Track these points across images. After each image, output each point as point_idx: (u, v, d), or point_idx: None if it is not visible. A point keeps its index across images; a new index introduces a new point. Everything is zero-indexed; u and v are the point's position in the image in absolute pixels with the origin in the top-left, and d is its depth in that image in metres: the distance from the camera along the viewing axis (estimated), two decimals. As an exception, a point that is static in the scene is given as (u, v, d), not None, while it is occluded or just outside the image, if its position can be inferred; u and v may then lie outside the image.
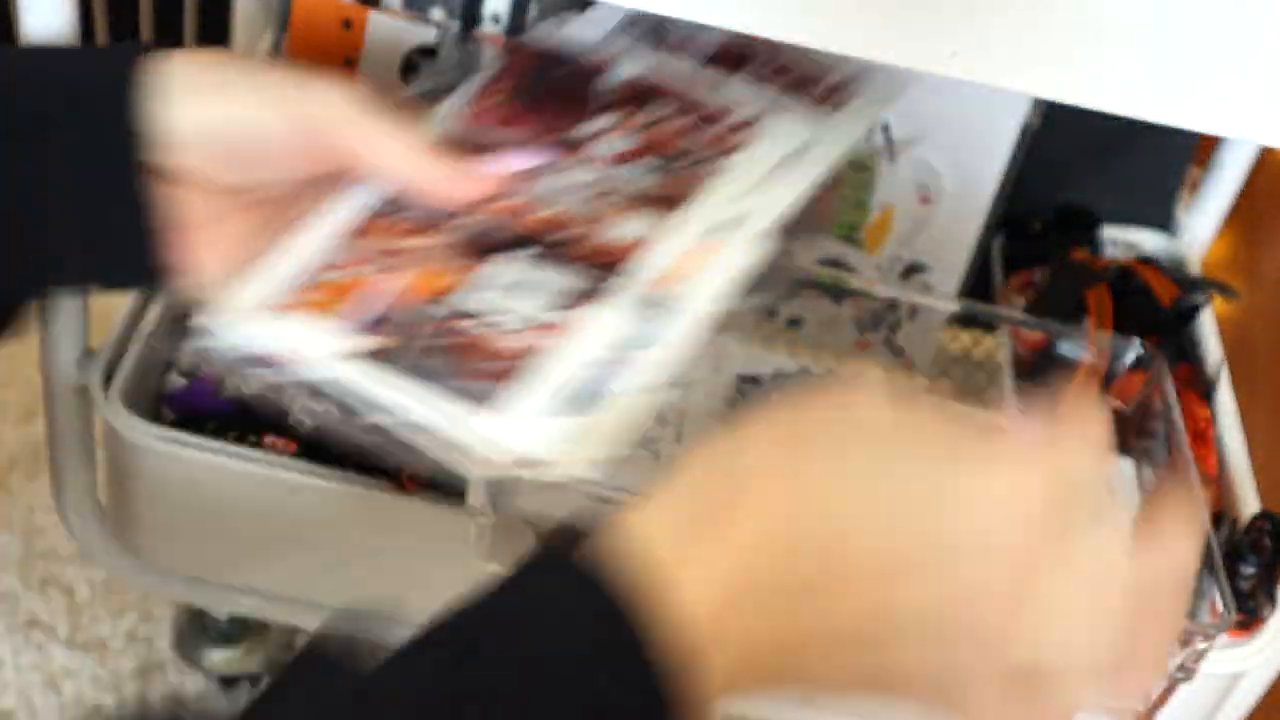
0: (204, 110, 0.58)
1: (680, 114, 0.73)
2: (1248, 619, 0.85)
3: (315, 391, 0.59)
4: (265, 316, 0.61)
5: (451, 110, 0.72)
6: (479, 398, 0.56)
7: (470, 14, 1.00)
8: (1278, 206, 1.29)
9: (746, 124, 0.74)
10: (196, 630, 1.04)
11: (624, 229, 0.64)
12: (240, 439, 0.87)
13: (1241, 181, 1.17)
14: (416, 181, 0.60)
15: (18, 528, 1.14)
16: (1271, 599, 0.86)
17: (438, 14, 1.00)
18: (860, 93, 0.76)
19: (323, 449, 0.88)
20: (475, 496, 0.77)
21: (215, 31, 1.43)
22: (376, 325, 0.60)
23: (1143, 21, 0.65)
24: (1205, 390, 0.99)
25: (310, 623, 0.95)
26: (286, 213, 0.64)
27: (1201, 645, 0.76)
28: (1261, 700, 0.91)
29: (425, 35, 1.00)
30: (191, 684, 1.06)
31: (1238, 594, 0.85)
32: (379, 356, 0.59)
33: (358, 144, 0.59)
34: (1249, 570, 0.86)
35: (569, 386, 0.57)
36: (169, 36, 1.44)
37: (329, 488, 0.85)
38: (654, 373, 0.57)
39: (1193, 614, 0.78)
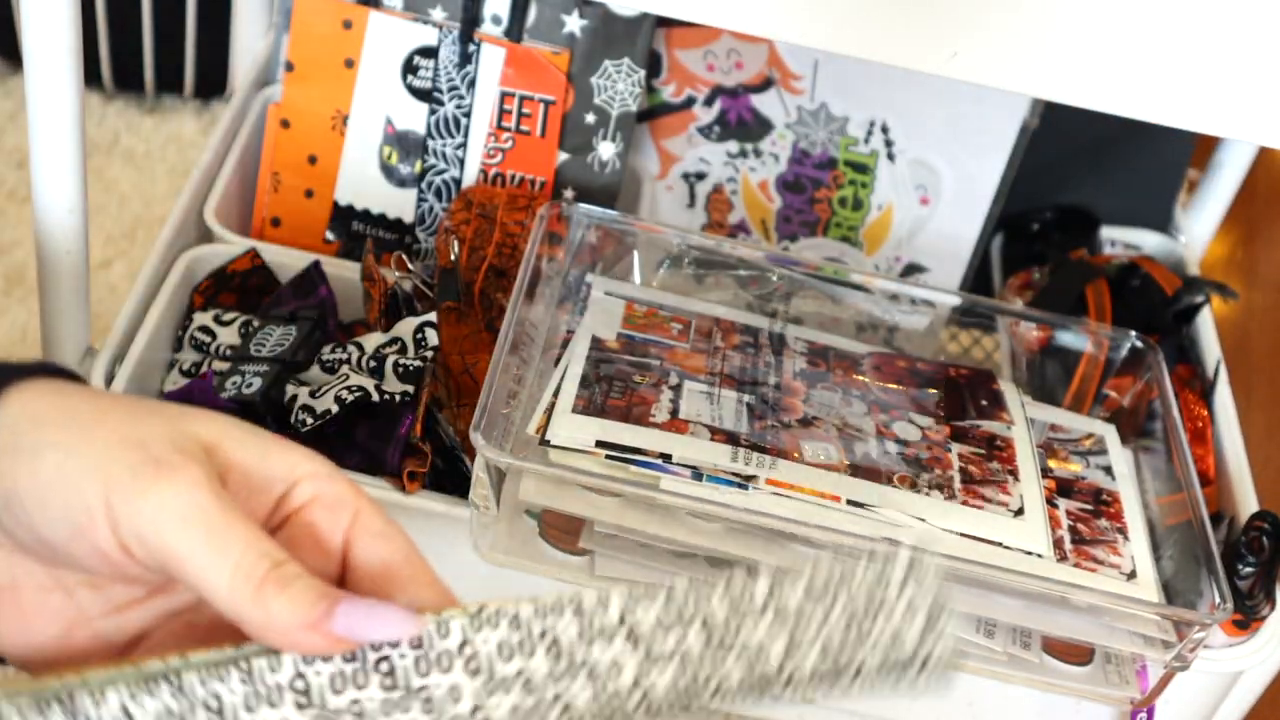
0: (3, 461, 0.45)
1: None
2: (1246, 618, 0.85)
3: None
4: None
5: None
6: None
7: (470, 14, 1.00)
8: (1277, 207, 1.29)
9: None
10: (197, 630, 1.04)
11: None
12: (241, 438, 0.87)
13: (1240, 182, 1.17)
14: (244, 620, 0.44)
15: (18, 527, 1.14)
16: (1270, 598, 0.86)
17: (438, 14, 1.00)
18: None
19: (323, 448, 0.88)
20: (476, 494, 0.77)
21: (215, 31, 1.43)
22: None
23: (1143, 21, 0.65)
24: (1204, 390, 0.99)
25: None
26: (110, 603, 0.49)
27: (1198, 635, 0.76)
28: (1260, 699, 0.91)
29: (425, 35, 1.01)
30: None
31: (1237, 593, 0.85)
32: None
33: (176, 562, 0.44)
34: (1247, 570, 0.86)
35: None
36: (169, 36, 1.44)
37: (329, 487, 0.85)
38: None
39: (1191, 606, 0.78)
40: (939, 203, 1.05)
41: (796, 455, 0.79)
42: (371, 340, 0.91)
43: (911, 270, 1.07)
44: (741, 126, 1.05)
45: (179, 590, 0.49)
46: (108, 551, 0.44)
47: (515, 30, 0.99)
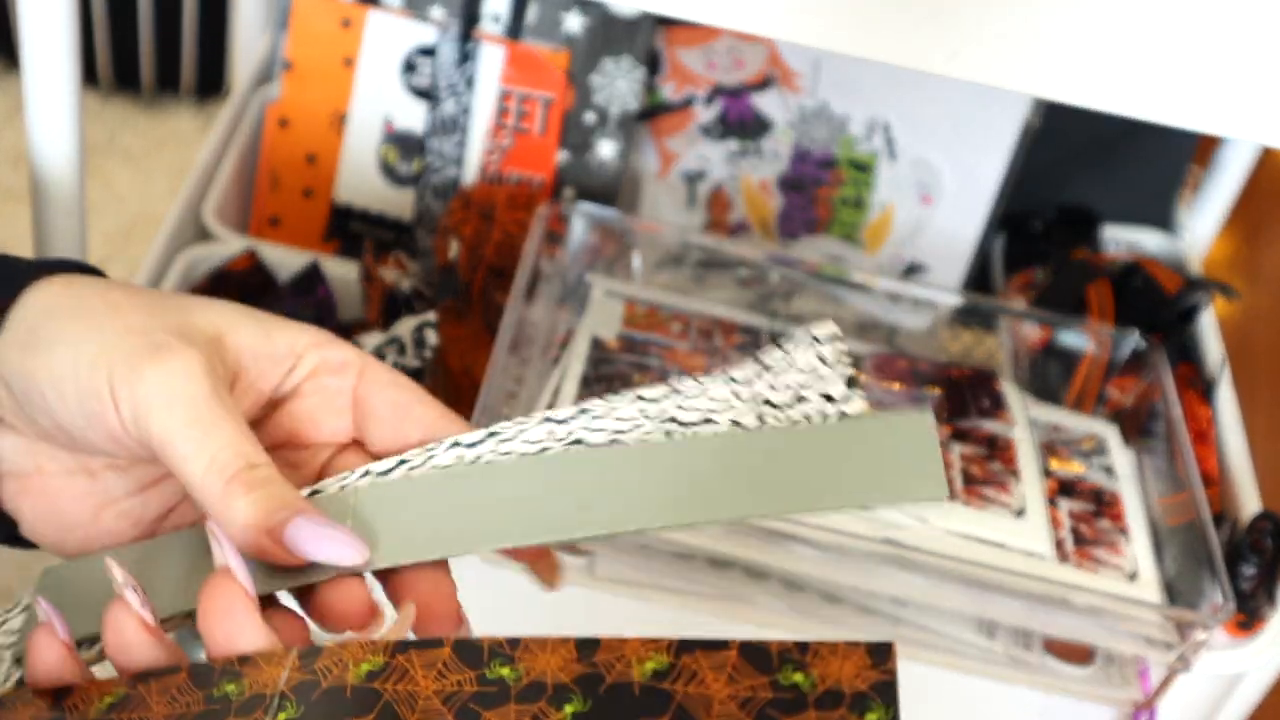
0: (23, 356, 0.46)
1: None
2: (1248, 620, 0.85)
3: None
4: None
5: None
6: None
7: (470, 13, 0.99)
8: (1278, 206, 1.29)
9: None
10: (195, 628, 1.04)
11: None
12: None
13: (1242, 181, 1.17)
14: (209, 510, 0.45)
15: (17, 527, 1.14)
16: (1272, 599, 0.85)
17: (438, 13, 1.00)
18: None
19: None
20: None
21: (213, 30, 1.43)
22: None
23: (1143, 21, 0.65)
24: (1206, 390, 0.99)
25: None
26: (134, 482, 0.50)
27: (1200, 637, 0.75)
28: (1262, 701, 0.91)
29: (425, 34, 1.00)
30: (191, 684, 1.06)
31: (1239, 594, 0.85)
32: None
33: (159, 446, 0.45)
34: (1250, 570, 0.86)
35: None
36: (167, 35, 1.43)
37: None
38: None
39: (1194, 607, 0.78)
40: (940, 202, 1.05)
41: None
42: (370, 340, 0.90)
43: (912, 270, 1.07)
44: (742, 125, 1.05)
45: None
46: (119, 436, 0.46)
47: (515, 28, 0.99)
